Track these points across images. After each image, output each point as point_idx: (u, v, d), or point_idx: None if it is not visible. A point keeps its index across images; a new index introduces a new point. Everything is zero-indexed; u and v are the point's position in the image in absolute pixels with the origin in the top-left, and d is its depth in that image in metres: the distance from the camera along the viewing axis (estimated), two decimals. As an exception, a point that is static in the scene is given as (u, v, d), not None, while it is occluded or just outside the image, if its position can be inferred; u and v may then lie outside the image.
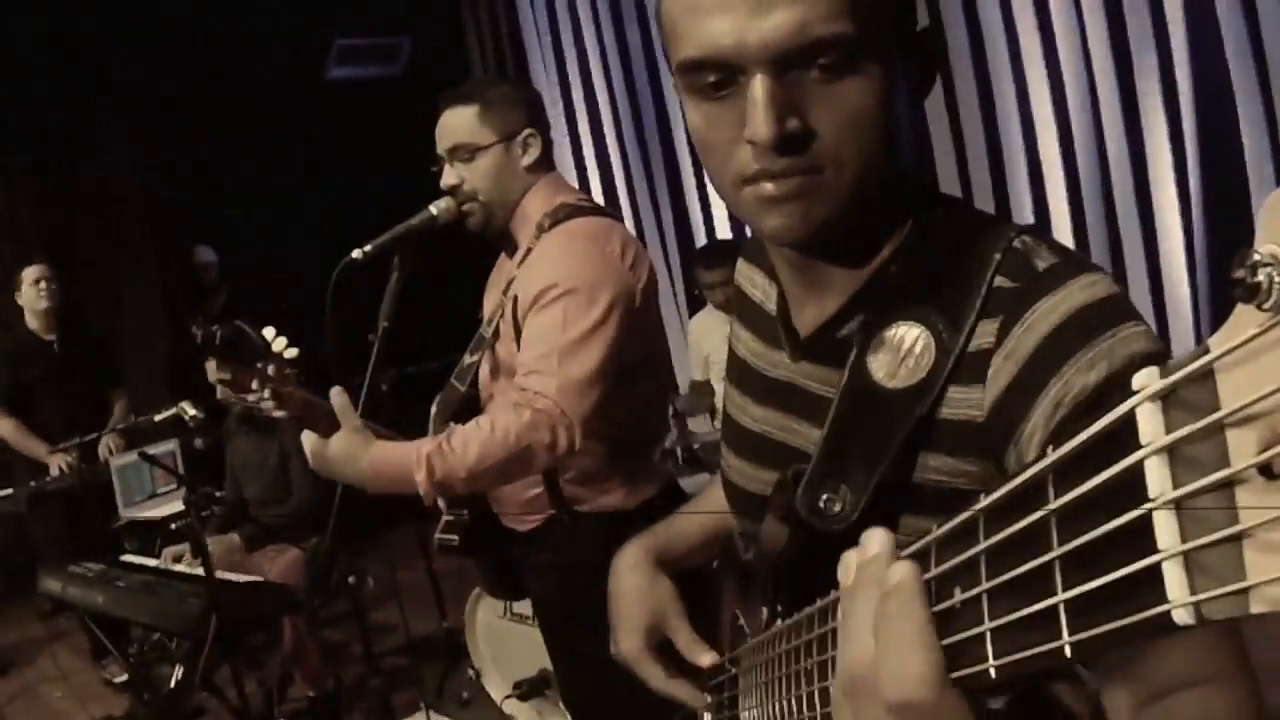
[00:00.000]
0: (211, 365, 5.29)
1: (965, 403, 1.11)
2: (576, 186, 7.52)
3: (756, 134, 1.08)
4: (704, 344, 6.01)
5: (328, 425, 2.56)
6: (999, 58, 5.31)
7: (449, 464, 2.53)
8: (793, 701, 1.11)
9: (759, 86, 1.08)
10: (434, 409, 2.96)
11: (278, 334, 2.61)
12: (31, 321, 6.52)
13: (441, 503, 2.93)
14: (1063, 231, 5.11)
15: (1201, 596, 0.51)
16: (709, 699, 1.53)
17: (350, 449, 2.53)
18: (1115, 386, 0.99)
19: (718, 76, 1.12)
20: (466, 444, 2.54)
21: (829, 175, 1.12)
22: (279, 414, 2.58)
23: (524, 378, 2.64)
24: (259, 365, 2.54)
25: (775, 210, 1.15)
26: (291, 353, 2.59)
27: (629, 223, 7.76)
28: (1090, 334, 1.04)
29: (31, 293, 6.46)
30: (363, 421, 2.59)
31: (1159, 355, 1.04)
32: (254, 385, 2.54)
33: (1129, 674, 1.02)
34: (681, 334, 6.69)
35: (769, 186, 1.13)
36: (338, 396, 2.56)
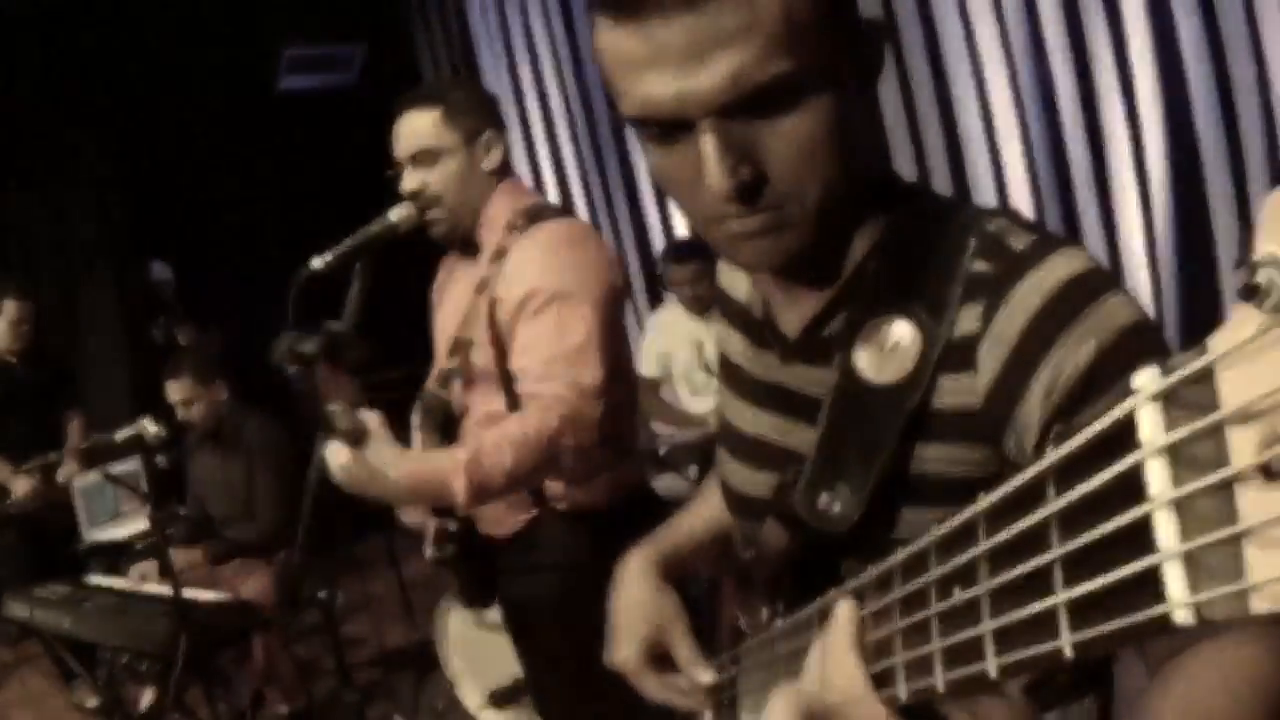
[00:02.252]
0: (171, 385, 5.29)
1: (958, 390, 1.11)
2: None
3: (712, 187, 1.08)
4: (662, 340, 6.00)
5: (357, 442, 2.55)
6: (955, 51, 5.32)
7: (488, 470, 2.52)
8: None
9: (708, 140, 1.08)
10: (416, 418, 2.93)
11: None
12: None
13: (427, 518, 2.92)
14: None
15: (1201, 596, 0.51)
16: (708, 704, 1.53)
17: (385, 461, 2.49)
18: (1106, 362, 1.01)
19: (665, 128, 1.12)
20: (500, 449, 2.53)
21: (793, 209, 1.13)
22: (346, 426, 2.51)
23: (537, 384, 2.63)
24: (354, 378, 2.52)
25: (745, 246, 1.16)
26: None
27: (585, 226, 7.75)
28: (1075, 309, 1.05)
29: (7, 330, 6.39)
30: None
31: (1144, 323, 1.06)
32: (338, 401, 2.48)
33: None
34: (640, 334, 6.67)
35: (735, 225, 1.14)
36: (374, 418, 2.54)
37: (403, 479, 2.49)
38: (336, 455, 2.49)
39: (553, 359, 2.61)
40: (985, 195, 5.29)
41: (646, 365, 6.07)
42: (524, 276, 2.69)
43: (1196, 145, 4.42)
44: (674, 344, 5.87)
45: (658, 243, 7.42)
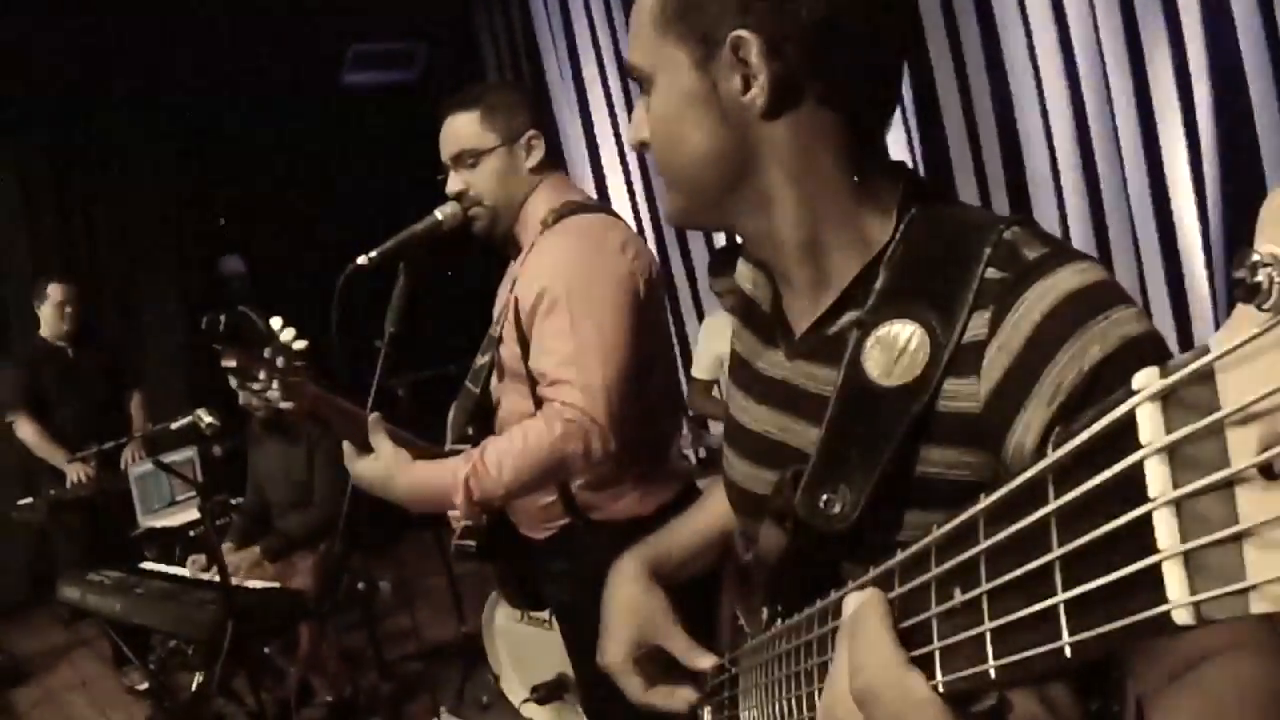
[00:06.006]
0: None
1: (961, 395, 1.11)
2: (594, 188, 7.48)
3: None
4: (715, 344, 6.00)
5: (354, 429, 2.56)
6: (1017, 58, 5.29)
7: (486, 485, 2.52)
8: (793, 702, 1.12)
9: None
10: (451, 413, 2.93)
11: (285, 326, 2.59)
12: (46, 329, 6.55)
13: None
14: (1081, 233, 5.09)
15: (1201, 596, 0.51)
16: (694, 698, 1.55)
17: (387, 472, 2.52)
18: (1109, 370, 1.00)
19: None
20: (501, 462, 2.53)
21: (665, 177, 1.34)
22: (286, 405, 2.56)
23: (549, 389, 2.61)
24: (265, 354, 2.53)
25: None
26: (299, 344, 2.57)
27: (648, 223, 7.75)
28: (1081, 319, 1.04)
29: (53, 313, 6.49)
30: (396, 432, 2.59)
31: (1152, 337, 1.05)
32: (260, 375, 2.53)
33: (1152, 650, 1.03)
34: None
35: None
36: (373, 421, 2.55)
37: (405, 491, 2.54)
38: (348, 456, 2.53)
39: (563, 363, 2.59)
40: (1044, 205, 5.25)
41: (700, 368, 6.09)
42: (538, 276, 2.67)
43: (1258, 148, 4.36)
44: (726, 346, 5.87)
45: (719, 239, 7.40)
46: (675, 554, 1.72)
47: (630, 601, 1.63)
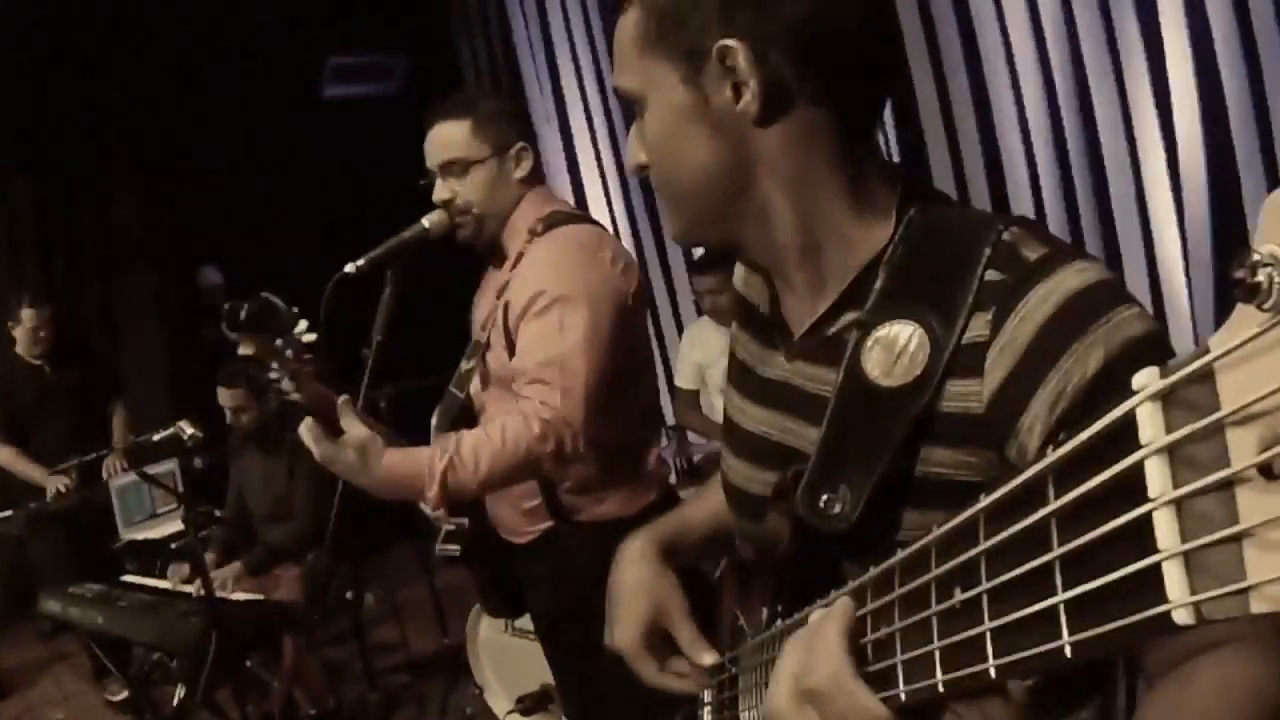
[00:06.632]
0: (224, 392, 5.32)
1: (963, 395, 1.11)
2: (572, 201, 7.47)
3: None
4: (697, 353, 6.00)
5: (335, 424, 2.55)
6: (996, 67, 5.30)
7: (460, 477, 2.53)
8: None
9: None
10: (434, 419, 2.93)
11: (299, 317, 2.60)
12: (21, 348, 6.49)
13: (441, 512, 2.91)
14: (1058, 232, 5.07)
15: (1201, 596, 0.51)
16: (705, 684, 1.53)
17: (362, 457, 2.50)
18: (1113, 373, 1.01)
19: None
20: (477, 456, 2.53)
21: (664, 194, 1.34)
22: (296, 397, 2.56)
23: (527, 386, 2.62)
24: (278, 344, 2.54)
25: None
26: (310, 337, 2.58)
27: (626, 235, 7.74)
28: (1085, 321, 1.04)
29: (27, 337, 6.44)
30: (366, 419, 2.57)
31: (1155, 336, 1.05)
32: (275, 364, 2.53)
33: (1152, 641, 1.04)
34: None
35: None
36: (344, 405, 2.54)
37: (380, 476, 2.52)
38: (311, 437, 2.51)
39: (545, 363, 2.60)
40: (1022, 207, 5.25)
41: (683, 377, 6.08)
42: (530, 280, 2.68)
43: (1233, 153, 4.37)
44: (709, 356, 5.86)
45: (698, 251, 7.38)
46: (690, 536, 1.71)
47: (642, 582, 1.60)
